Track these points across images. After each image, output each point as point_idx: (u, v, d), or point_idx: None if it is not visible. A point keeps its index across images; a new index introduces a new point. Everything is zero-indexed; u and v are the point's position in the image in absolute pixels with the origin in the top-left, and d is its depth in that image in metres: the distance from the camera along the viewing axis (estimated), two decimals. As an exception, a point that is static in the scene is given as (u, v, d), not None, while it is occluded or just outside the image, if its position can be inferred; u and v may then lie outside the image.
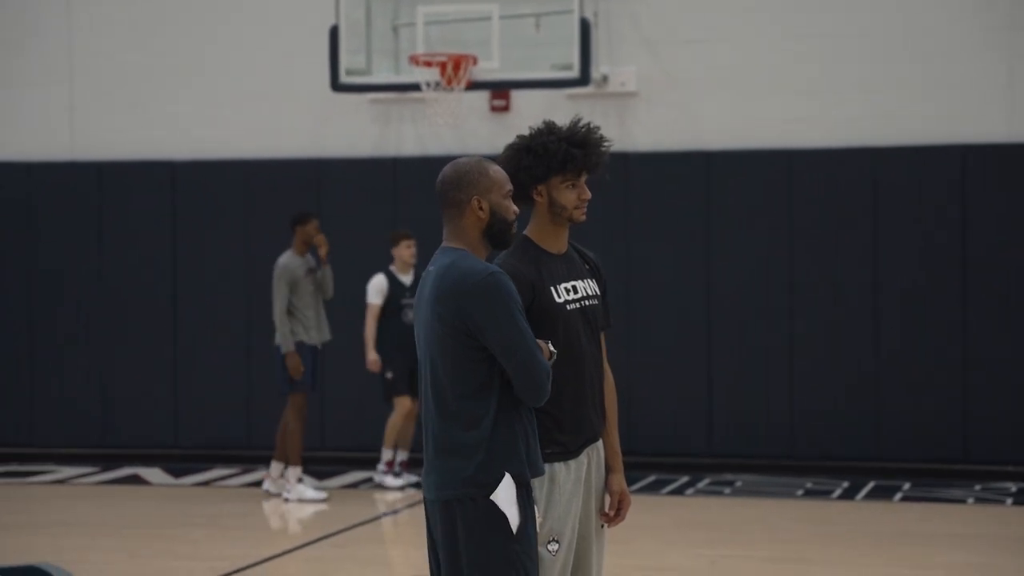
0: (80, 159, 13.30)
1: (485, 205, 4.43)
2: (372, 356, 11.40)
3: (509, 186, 4.51)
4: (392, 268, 11.64)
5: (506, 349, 4.29)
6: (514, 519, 4.30)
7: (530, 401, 4.36)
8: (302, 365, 11.01)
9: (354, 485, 11.84)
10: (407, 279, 11.60)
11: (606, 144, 4.88)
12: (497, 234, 4.47)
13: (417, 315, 4.49)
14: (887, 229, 11.95)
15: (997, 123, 11.84)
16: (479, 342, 4.30)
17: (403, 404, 11.54)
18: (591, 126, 4.89)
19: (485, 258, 4.48)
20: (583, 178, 4.84)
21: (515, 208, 4.51)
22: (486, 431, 4.30)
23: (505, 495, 4.29)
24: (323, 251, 11.26)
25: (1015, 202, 11.76)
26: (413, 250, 11.60)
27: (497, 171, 4.49)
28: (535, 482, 4.55)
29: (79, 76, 13.33)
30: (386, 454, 11.62)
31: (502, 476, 4.30)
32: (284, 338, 11.00)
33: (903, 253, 11.93)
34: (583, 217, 4.86)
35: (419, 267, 11.53)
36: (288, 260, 11.14)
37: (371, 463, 12.14)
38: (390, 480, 11.56)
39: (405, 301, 11.47)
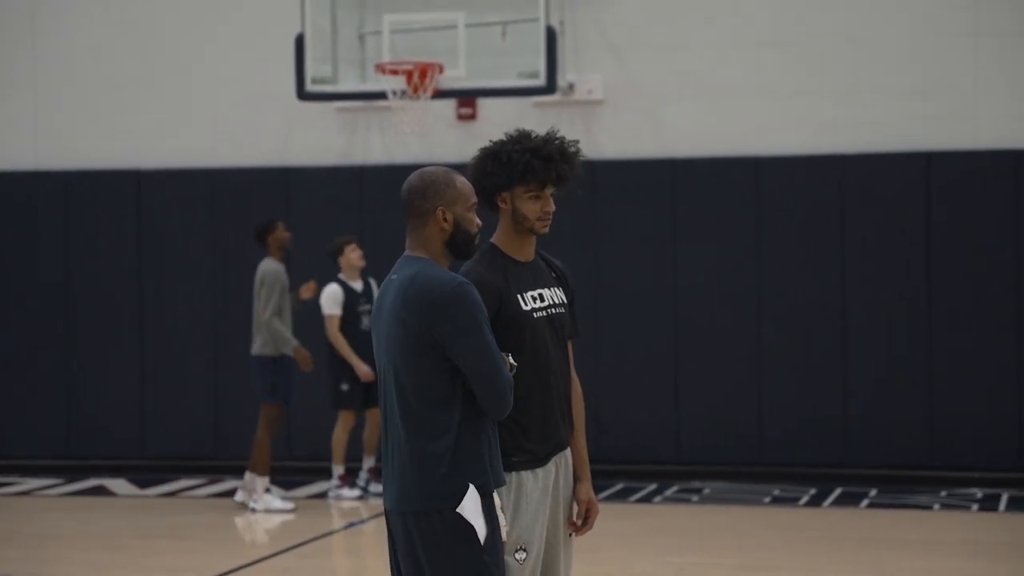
0: (45, 169, 13.22)
1: (449, 216, 4.41)
2: (364, 368, 11.21)
3: (474, 198, 4.50)
4: (341, 276, 11.58)
5: (472, 360, 4.26)
6: (481, 530, 4.27)
7: (493, 414, 4.33)
8: (275, 372, 10.99)
9: (320, 495, 11.80)
10: (358, 285, 11.55)
11: (574, 158, 4.83)
12: (459, 245, 4.45)
13: (376, 324, 4.46)
14: (853, 235, 11.98)
15: (962, 130, 11.90)
16: (445, 352, 4.28)
17: (348, 419, 11.48)
18: (563, 139, 4.85)
19: (447, 268, 4.45)
20: (548, 190, 4.81)
21: (479, 221, 4.50)
22: (450, 442, 4.27)
23: (471, 506, 4.26)
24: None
25: (980, 208, 11.81)
26: (360, 253, 11.54)
27: (463, 183, 4.48)
28: (502, 490, 4.53)
29: (44, 86, 13.25)
30: (337, 469, 11.54)
31: (467, 487, 4.27)
32: (285, 341, 10.96)
33: (869, 259, 11.96)
34: (545, 230, 4.83)
35: (370, 272, 11.49)
36: (275, 266, 11.09)
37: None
38: (346, 492, 11.50)
39: (361, 308, 11.44)
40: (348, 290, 11.49)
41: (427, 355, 4.28)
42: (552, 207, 4.83)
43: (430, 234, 4.42)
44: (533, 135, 4.85)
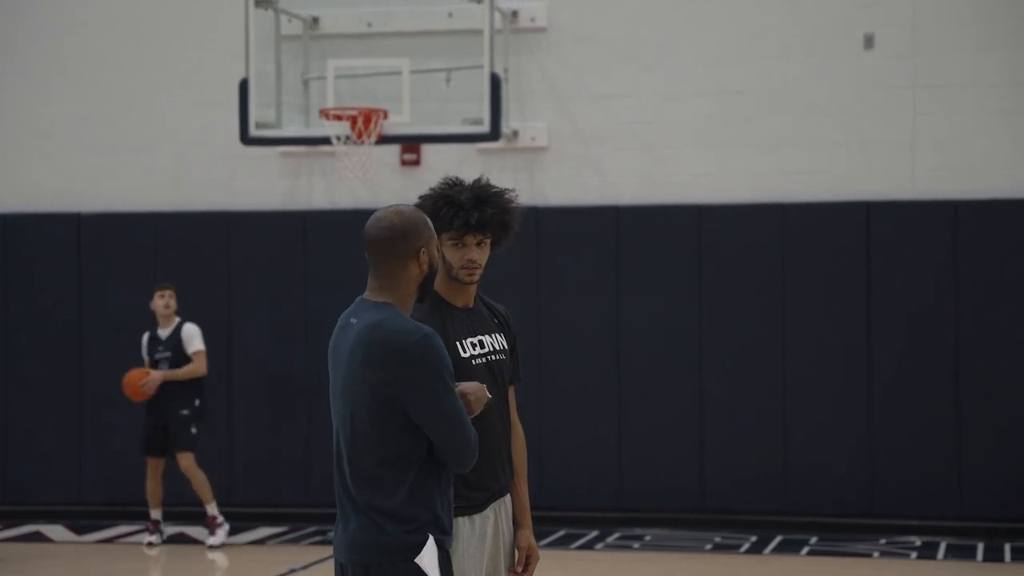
0: (-16, 211, 13.11)
1: (426, 257, 4.27)
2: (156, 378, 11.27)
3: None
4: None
5: (436, 415, 4.12)
6: None
7: (460, 467, 4.21)
8: None
9: (261, 541, 11.70)
10: (164, 332, 11.50)
11: (496, 204, 4.78)
12: (427, 286, 4.32)
13: (333, 369, 4.28)
14: (794, 284, 12.07)
15: (901, 181, 12.04)
16: (402, 405, 4.12)
17: (152, 464, 11.46)
18: (483, 186, 4.81)
19: (410, 312, 4.31)
20: (472, 239, 4.78)
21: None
22: (404, 498, 4.15)
23: (429, 559, 4.16)
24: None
25: (918, 258, 11.93)
26: (163, 301, 11.44)
27: (431, 222, 4.37)
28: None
29: (-16, 127, 13.16)
30: (209, 509, 11.49)
31: (424, 540, 4.16)
32: None
33: (810, 307, 12.04)
34: (470, 279, 4.79)
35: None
36: None
37: (282, 518, 12.04)
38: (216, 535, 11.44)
39: (158, 356, 11.38)
40: (150, 337, 11.51)
41: (386, 409, 4.14)
42: (475, 255, 4.78)
43: (410, 276, 4.26)
44: (458, 183, 4.83)
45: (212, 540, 11.33)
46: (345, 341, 4.23)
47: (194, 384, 11.38)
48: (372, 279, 4.28)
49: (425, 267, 4.27)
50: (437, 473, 4.22)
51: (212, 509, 11.38)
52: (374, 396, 4.14)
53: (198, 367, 11.34)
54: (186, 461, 11.30)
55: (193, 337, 11.39)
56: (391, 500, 4.16)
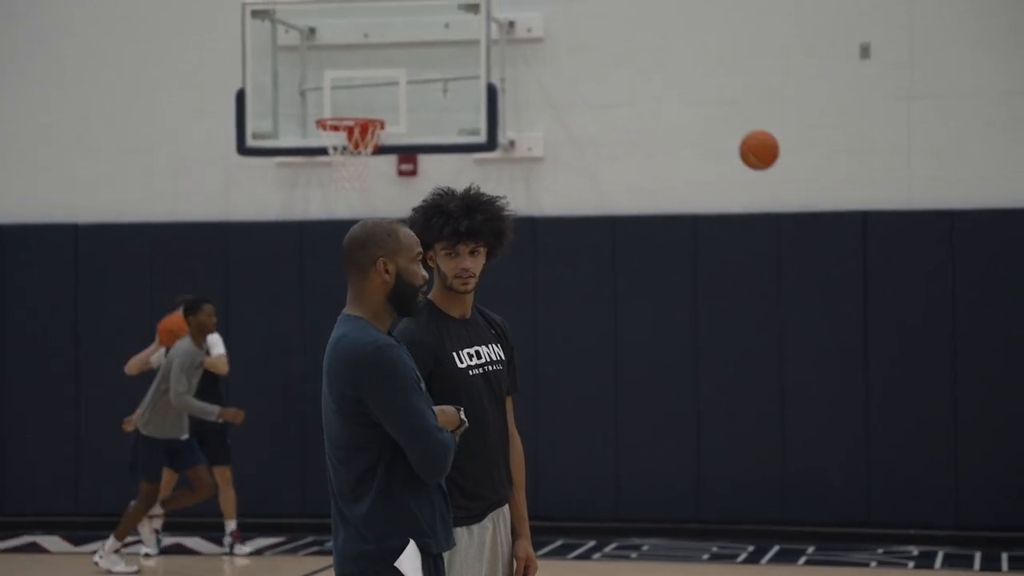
0: (-20, 221, 13.12)
1: (391, 268, 4.25)
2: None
3: (419, 249, 4.35)
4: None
5: (397, 425, 4.12)
6: None
7: (427, 477, 4.18)
8: None
9: (258, 552, 11.70)
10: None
11: (486, 211, 4.79)
12: (402, 299, 4.28)
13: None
14: (790, 293, 12.08)
15: (897, 190, 12.05)
16: (370, 418, 4.15)
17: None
18: (473, 194, 4.82)
19: (389, 324, 4.33)
20: (465, 247, 4.77)
21: (424, 273, 4.35)
22: (374, 505, 4.16)
23: (410, 564, 4.16)
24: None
25: (914, 267, 11.94)
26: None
27: (407, 234, 4.33)
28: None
29: (-20, 138, 13.17)
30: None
31: (405, 544, 4.16)
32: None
33: (806, 317, 12.05)
34: (464, 288, 4.78)
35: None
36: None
37: (279, 528, 12.03)
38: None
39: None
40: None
41: (353, 422, 4.17)
42: (469, 264, 4.77)
43: (371, 288, 4.26)
44: (448, 192, 4.84)
45: (243, 549, 11.36)
46: (325, 359, 4.29)
47: (216, 393, 11.25)
48: (348, 292, 4.32)
49: (387, 278, 4.25)
50: (416, 480, 4.20)
51: (233, 524, 11.37)
52: (342, 408, 4.17)
53: (222, 364, 11.18)
54: (227, 475, 11.24)
55: (217, 342, 11.32)
56: (369, 509, 4.17)
